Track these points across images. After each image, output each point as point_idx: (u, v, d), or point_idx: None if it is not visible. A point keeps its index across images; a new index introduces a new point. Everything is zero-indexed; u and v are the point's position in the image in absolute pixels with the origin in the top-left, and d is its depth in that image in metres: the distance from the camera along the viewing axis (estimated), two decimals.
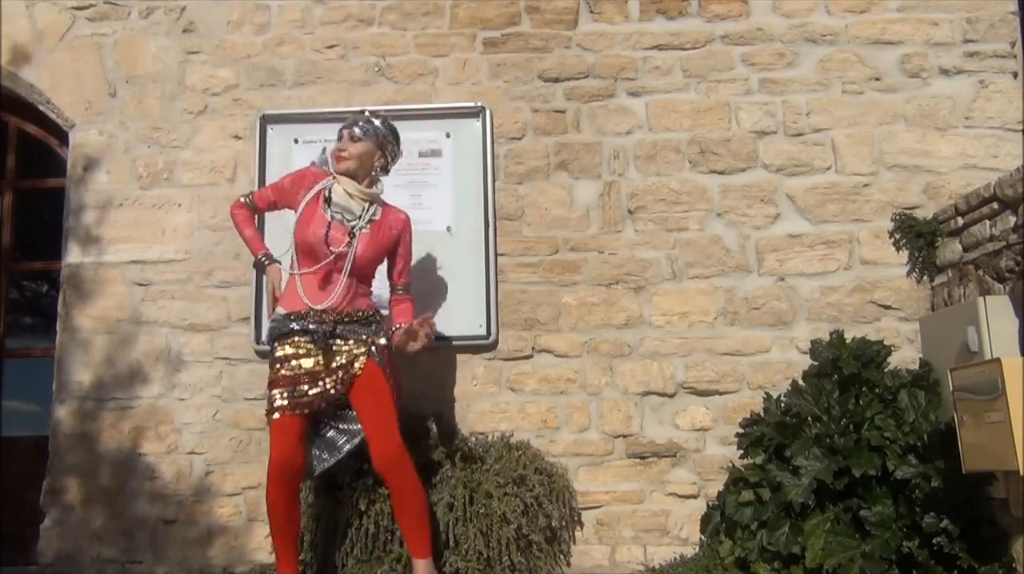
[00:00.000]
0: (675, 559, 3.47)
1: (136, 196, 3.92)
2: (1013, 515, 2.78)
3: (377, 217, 3.07)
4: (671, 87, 3.91)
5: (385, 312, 3.20)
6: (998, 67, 3.85)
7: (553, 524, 3.38)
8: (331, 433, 3.05)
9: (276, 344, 2.98)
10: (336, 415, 3.03)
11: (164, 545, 3.64)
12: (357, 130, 3.07)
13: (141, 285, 3.84)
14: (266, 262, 3.10)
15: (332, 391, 2.93)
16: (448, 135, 3.82)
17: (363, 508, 3.22)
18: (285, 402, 2.90)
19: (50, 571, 3.63)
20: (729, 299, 3.74)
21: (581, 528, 3.59)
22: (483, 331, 3.67)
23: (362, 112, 3.21)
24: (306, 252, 3.00)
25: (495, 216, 3.77)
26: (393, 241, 3.11)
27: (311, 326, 2.93)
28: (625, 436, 3.66)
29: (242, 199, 3.21)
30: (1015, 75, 3.85)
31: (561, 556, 3.47)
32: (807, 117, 3.86)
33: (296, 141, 3.88)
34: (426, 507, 2.97)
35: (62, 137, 4.10)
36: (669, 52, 3.93)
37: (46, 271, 4.43)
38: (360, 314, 3.00)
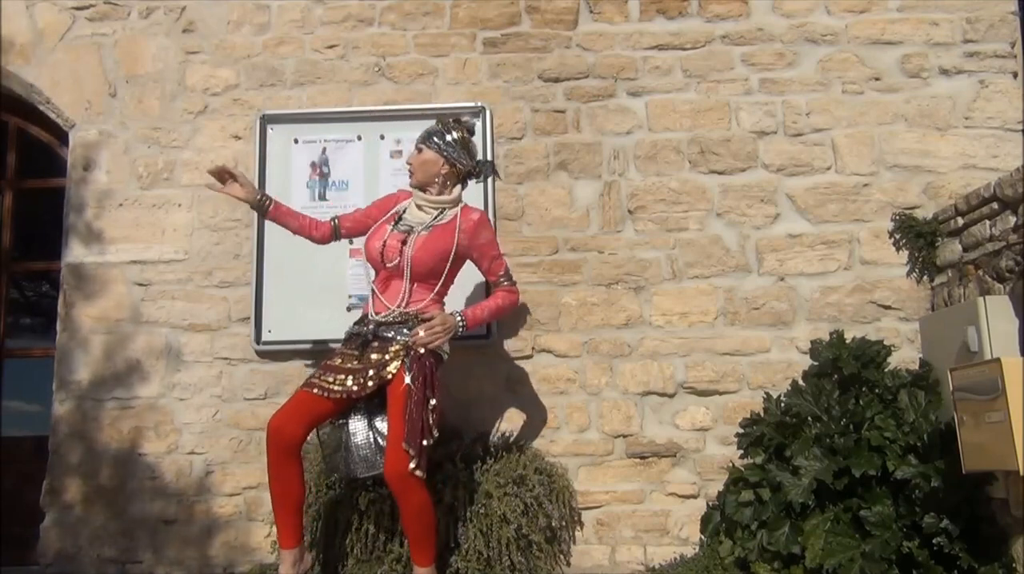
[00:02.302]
0: (675, 559, 3.47)
1: (136, 196, 3.92)
2: (1013, 515, 2.78)
3: (444, 221, 3.02)
4: (671, 87, 3.91)
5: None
6: (998, 67, 3.85)
7: (553, 524, 3.38)
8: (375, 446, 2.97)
9: (344, 339, 3.08)
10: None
11: (164, 545, 3.64)
12: (421, 143, 3.09)
13: (141, 285, 3.84)
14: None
15: (354, 387, 2.90)
16: None
17: (363, 508, 3.22)
18: (311, 379, 2.95)
19: (50, 571, 3.64)
20: (729, 299, 3.74)
21: (581, 528, 3.59)
22: (483, 331, 3.66)
23: (440, 121, 3.15)
24: (372, 266, 3.09)
25: (495, 216, 3.76)
26: (463, 245, 3.01)
27: (359, 329, 2.99)
28: (625, 436, 3.66)
29: (331, 221, 3.22)
30: (1015, 75, 3.85)
31: (561, 556, 3.47)
32: (807, 117, 3.86)
33: (296, 141, 3.88)
34: (432, 522, 2.91)
35: (62, 137, 4.10)
36: (669, 52, 3.94)
37: (46, 271, 4.43)
38: (408, 316, 2.94)
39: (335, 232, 3.22)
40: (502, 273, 3.11)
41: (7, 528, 3.92)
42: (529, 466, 3.41)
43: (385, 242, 3.01)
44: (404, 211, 3.10)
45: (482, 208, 3.68)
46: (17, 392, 4.26)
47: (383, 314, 2.97)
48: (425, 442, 2.80)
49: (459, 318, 2.97)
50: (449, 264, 3.01)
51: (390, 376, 2.88)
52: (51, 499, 3.70)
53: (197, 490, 3.68)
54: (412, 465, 2.76)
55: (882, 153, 3.82)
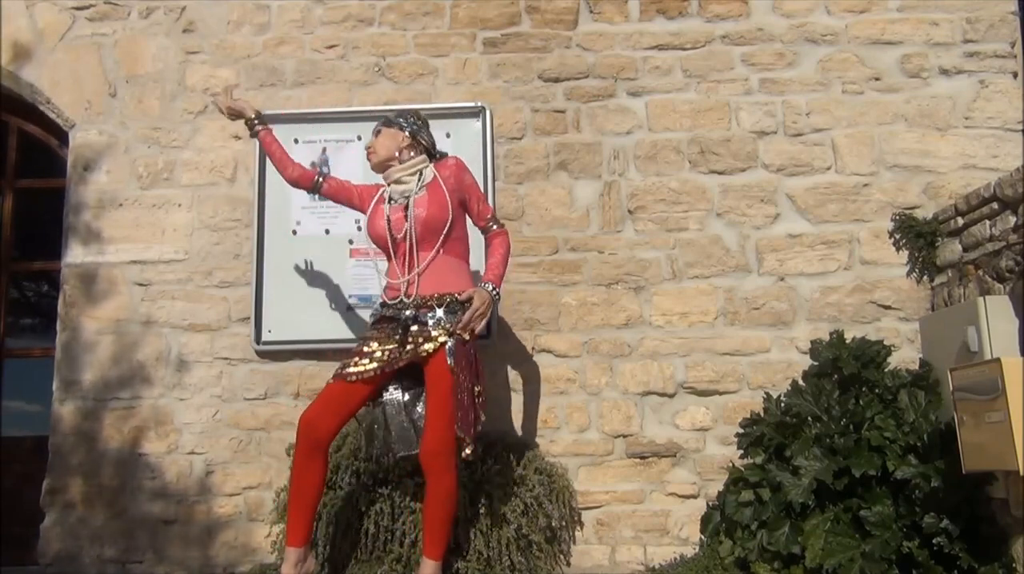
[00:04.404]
0: (675, 559, 3.47)
1: (136, 196, 3.92)
2: (1013, 515, 2.78)
3: (428, 179, 3.04)
4: (671, 87, 3.91)
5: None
6: (998, 67, 3.85)
7: (553, 524, 3.38)
8: (419, 425, 2.98)
9: (369, 328, 3.06)
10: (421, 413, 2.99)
11: (164, 545, 3.64)
12: (379, 127, 3.14)
13: (141, 285, 3.84)
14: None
15: (396, 360, 2.89)
16: (448, 135, 3.81)
17: (363, 508, 3.23)
18: (341, 370, 2.93)
19: (50, 571, 3.64)
20: (729, 299, 3.74)
21: (581, 528, 3.59)
22: (483, 331, 3.64)
23: (395, 112, 3.22)
24: (382, 248, 3.08)
25: None
26: (454, 188, 3.02)
27: (398, 313, 2.94)
28: (625, 436, 3.66)
29: (316, 173, 3.26)
30: (1015, 75, 3.85)
31: (561, 556, 3.47)
32: (807, 117, 3.86)
33: (296, 141, 3.88)
34: (452, 514, 2.92)
35: (62, 137, 4.10)
36: (669, 52, 3.94)
37: (46, 271, 4.42)
38: (448, 299, 2.93)
39: (315, 185, 3.23)
40: (489, 216, 3.13)
41: (7, 528, 3.92)
42: (529, 466, 3.42)
43: (388, 217, 3.01)
44: (389, 195, 3.10)
45: None
46: (17, 392, 4.26)
47: (403, 287, 2.94)
48: (478, 427, 2.84)
49: (490, 287, 2.98)
50: (453, 213, 2.98)
51: (425, 354, 2.88)
52: (51, 499, 3.70)
53: (197, 490, 3.68)
54: (465, 450, 2.80)
55: (882, 153, 3.82)
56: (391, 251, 3.02)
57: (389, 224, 3.00)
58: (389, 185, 3.10)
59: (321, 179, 3.24)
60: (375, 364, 2.90)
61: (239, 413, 3.74)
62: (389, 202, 3.07)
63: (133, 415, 3.75)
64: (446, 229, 2.97)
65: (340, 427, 2.96)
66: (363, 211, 3.19)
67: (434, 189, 3.00)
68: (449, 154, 3.18)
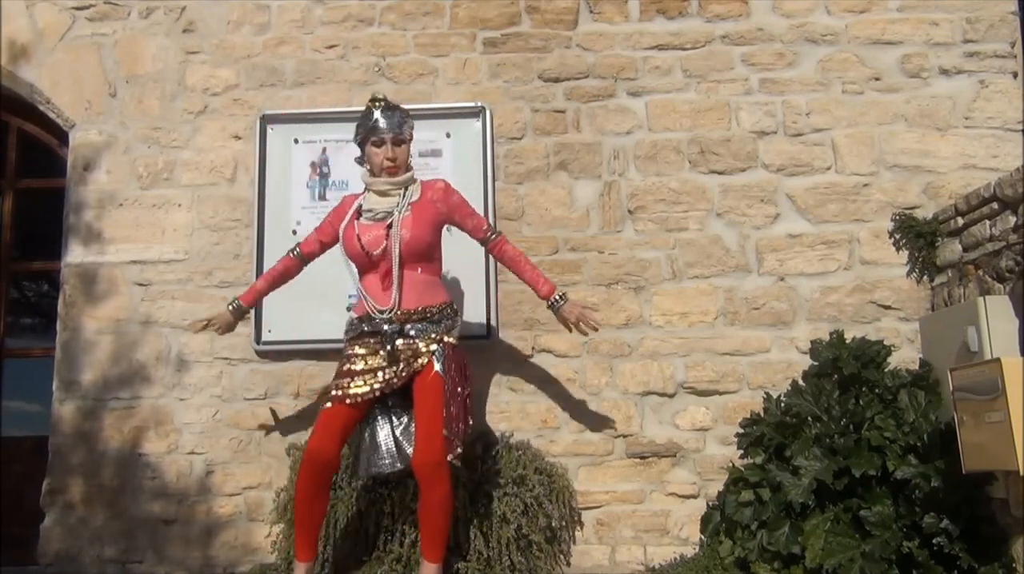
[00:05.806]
0: (675, 559, 3.47)
1: (136, 196, 3.92)
2: (1013, 515, 2.78)
3: (416, 197, 3.05)
4: (671, 87, 3.91)
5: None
6: (998, 67, 3.85)
7: (553, 524, 3.38)
8: (401, 439, 3.02)
9: (348, 344, 3.06)
10: (406, 425, 3.03)
11: (164, 545, 3.64)
12: (403, 135, 3.06)
13: (141, 285, 3.84)
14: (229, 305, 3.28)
15: (393, 380, 2.92)
16: (448, 135, 3.82)
17: (363, 508, 3.23)
18: (338, 392, 2.94)
19: (50, 571, 3.64)
20: (729, 299, 3.74)
21: (581, 528, 3.59)
22: (483, 331, 3.67)
23: (377, 101, 3.10)
24: (360, 266, 3.07)
25: (495, 216, 3.76)
26: (443, 212, 3.06)
27: (380, 327, 2.96)
28: (625, 436, 3.66)
29: (290, 254, 3.24)
30: (1015, 75, 3.85)
31: (561, 556, 3.47)
32: (807, 117, 3.86)
33: (296, 141, 3.88)
34: (449, 519, 2.94)
35: (62, 137, 4.10)
36: (669, 52, 3.94)
37: (46, 271, 4.42)
38: (430, 311, 2.98)
39: (301, 260, 3.24)
40: (486, 226, 3.16)
41: (7, 528, 3.92)
42: (529, 466, 3.42)
43: (361, 236, 3.00)
44: (362, 206, 3.08)
45: (483, 206, 3.71)
46: (17, 392, 4.26)
47: (386, 305, 2.96)
48: (467, 431, 2.88)
49: (556, 296, 3.10)
50: (436, 234, 3.05)
51: (420, 367, 2.92)
52: (51, 499, 3.70)
53: (197, 490, 3.68)
54: (451, 455, 2.82)
55: (882, 153, 3.82)
56: (368, 267, 3.03)
57: (362, 243, 3.00)
58: (366, 193, 3.08)
59: (298, 252, 3.23)
60: (369, 388, 2.92)
61: (239, 413, 3.74)
62: (363, 215, 3.05)
63: (133, 415, 3.75)
64: (428, 251, 3.01)
65: (343, 445, 3.01)
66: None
67: (419, 210, 3.02)
68: (438, 178, 3.21)
